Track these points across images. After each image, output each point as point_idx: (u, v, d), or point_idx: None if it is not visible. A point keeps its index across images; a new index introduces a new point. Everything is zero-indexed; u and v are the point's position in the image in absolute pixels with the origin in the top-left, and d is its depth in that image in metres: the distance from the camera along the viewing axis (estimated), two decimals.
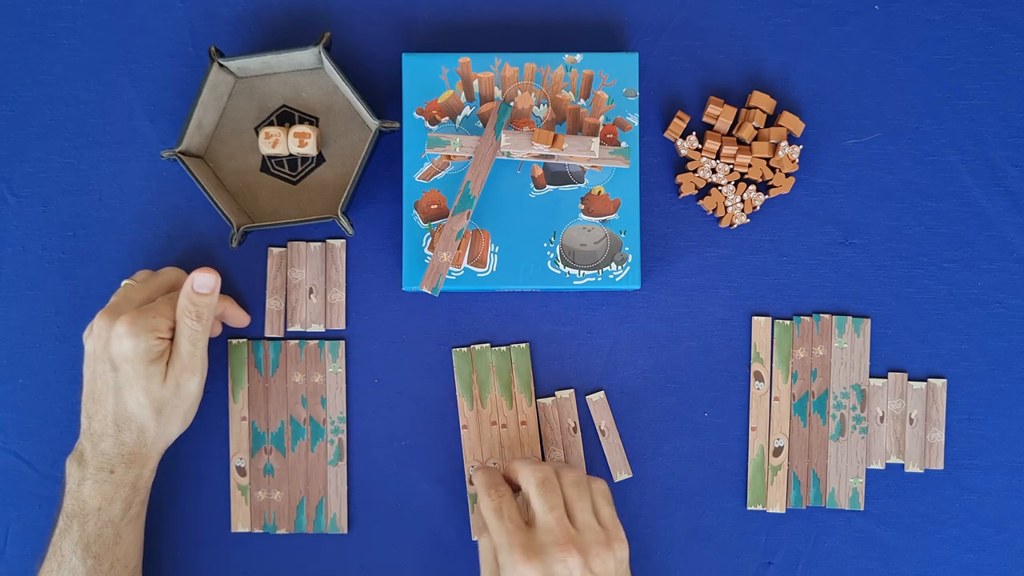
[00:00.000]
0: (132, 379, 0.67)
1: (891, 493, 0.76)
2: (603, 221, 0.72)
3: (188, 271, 0.74)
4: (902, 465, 0.76)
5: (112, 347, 0.67)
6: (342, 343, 0.76)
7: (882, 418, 0.76)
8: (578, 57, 0.73)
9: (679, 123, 0.76)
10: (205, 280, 0.69)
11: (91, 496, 0.67)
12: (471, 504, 0.76)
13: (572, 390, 0.76)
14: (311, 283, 0.76)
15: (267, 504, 0.76)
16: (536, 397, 0.76)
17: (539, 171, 0.73)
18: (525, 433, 0.76)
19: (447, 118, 0.73)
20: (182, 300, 0.69)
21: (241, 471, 0.76)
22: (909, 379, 0.76)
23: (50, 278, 0.76)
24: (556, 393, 0.76)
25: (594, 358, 0.76)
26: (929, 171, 0.76)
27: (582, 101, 0.73)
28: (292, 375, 0.76)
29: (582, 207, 0.72)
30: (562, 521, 0.64)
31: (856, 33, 0.77)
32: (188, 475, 0.76)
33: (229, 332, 0.76)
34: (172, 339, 0.69)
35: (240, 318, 0.75)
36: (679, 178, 0.76)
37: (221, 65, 0.72)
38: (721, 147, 0.75)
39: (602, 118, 0.73)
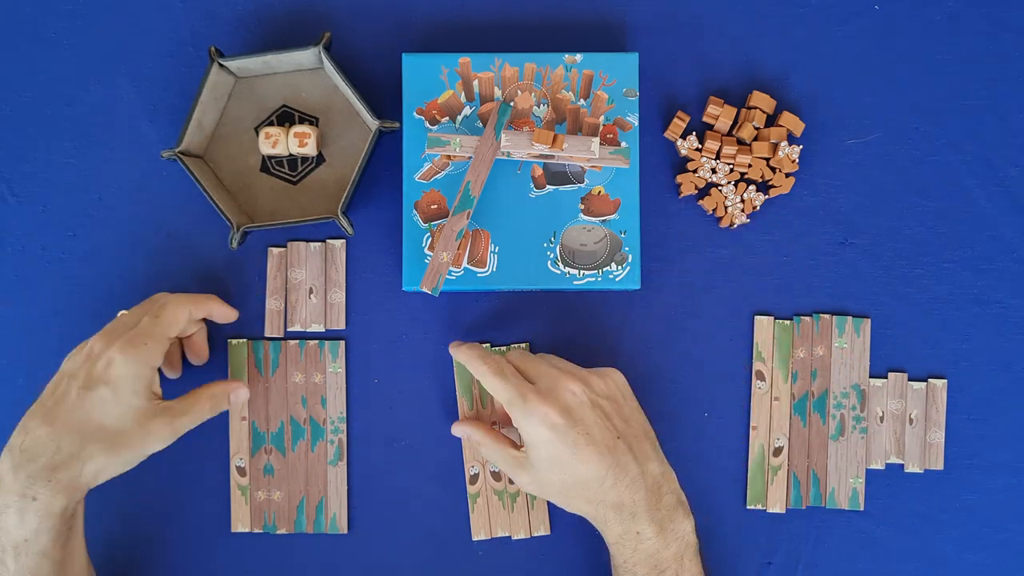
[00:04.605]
0: (109, 402, 0.64)
1: (891, 493, 0.76)
2: (603, 221, 0.72)
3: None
4: (902, 465, 0.76)
5: (98, 367, 0.65)
6: (342, 343, 0.76)
7: (882, 418, 0.76)
8: (578, 57, 0.73)
9: (679, 123, 0.76)
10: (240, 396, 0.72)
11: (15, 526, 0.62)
12: (471, 504, 0.76)
13: None
14: (311, 283, 0.76)
15: (267, 504, 0.76)
16: None
17: (539, 171, 0.72)
18: None
19: (447, 118, 0.73)
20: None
21: (241, 471, 0.76)
22: (909, 379, 0.76)
23: (50, 278, 0.76)
24: None
25: (594, 358, 0.76)
26: (929, 171, 0.76)
27: (582, 101, 0.73)
28: (292, 375, 0.76)
29: (582, 207, 0.72)
30: (556, 366, 0.69)
31: (856, 33, 0.77)
32: (188, 475, 0.76)
33: (229, 332, 0.76)
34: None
35: (227, 314, 0.73)
36: (679, 178, 0.76)
37: (221, 65, 0.72)
38: (721, 147, 0.75)
39: (602, 118, 0.73)
